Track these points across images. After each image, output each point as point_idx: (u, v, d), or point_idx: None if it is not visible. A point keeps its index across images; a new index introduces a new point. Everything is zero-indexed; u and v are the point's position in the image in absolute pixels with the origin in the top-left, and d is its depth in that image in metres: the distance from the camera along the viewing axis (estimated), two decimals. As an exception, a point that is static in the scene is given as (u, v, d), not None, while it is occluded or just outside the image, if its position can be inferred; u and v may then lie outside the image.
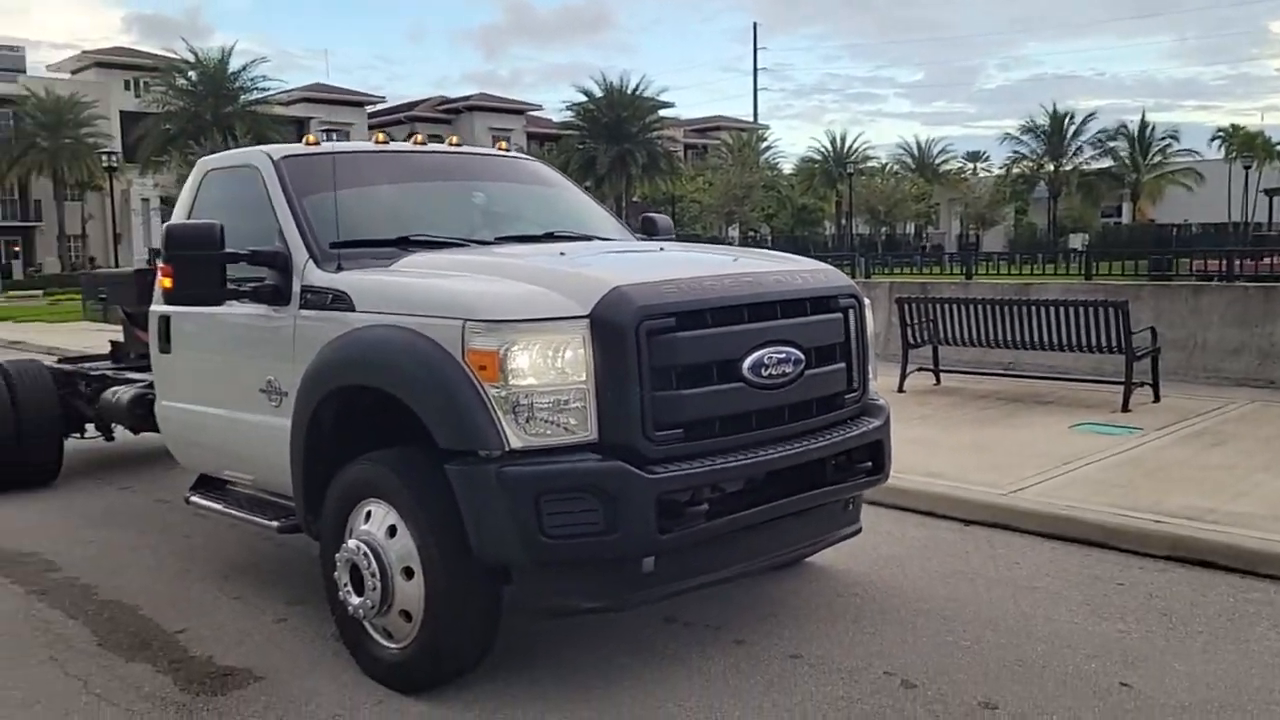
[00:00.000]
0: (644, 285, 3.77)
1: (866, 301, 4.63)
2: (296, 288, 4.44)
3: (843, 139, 67.69)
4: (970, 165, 77.30)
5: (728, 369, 3.84)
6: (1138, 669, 4.01)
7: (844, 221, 62.73)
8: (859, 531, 4.77)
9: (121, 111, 59.68)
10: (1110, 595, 4.81)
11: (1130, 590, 4.87)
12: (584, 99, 55.05)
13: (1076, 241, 52.92)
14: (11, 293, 45.95)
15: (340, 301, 4.20)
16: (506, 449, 3.54)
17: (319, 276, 4.37)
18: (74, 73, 64.69)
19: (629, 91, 54.11)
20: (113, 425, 7.43)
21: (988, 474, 6.59)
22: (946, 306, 10.14)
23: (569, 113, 57.04)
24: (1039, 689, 3.85)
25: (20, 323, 25.13)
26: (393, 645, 3.94)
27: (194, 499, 5.27)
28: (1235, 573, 5.03)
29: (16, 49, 77.93)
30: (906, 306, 10.32)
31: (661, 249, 4.86)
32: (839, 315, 4.31)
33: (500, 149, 6.15)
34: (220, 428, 4.97)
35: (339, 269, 4.35)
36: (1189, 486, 6.19)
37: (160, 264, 4.60)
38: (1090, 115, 62.80)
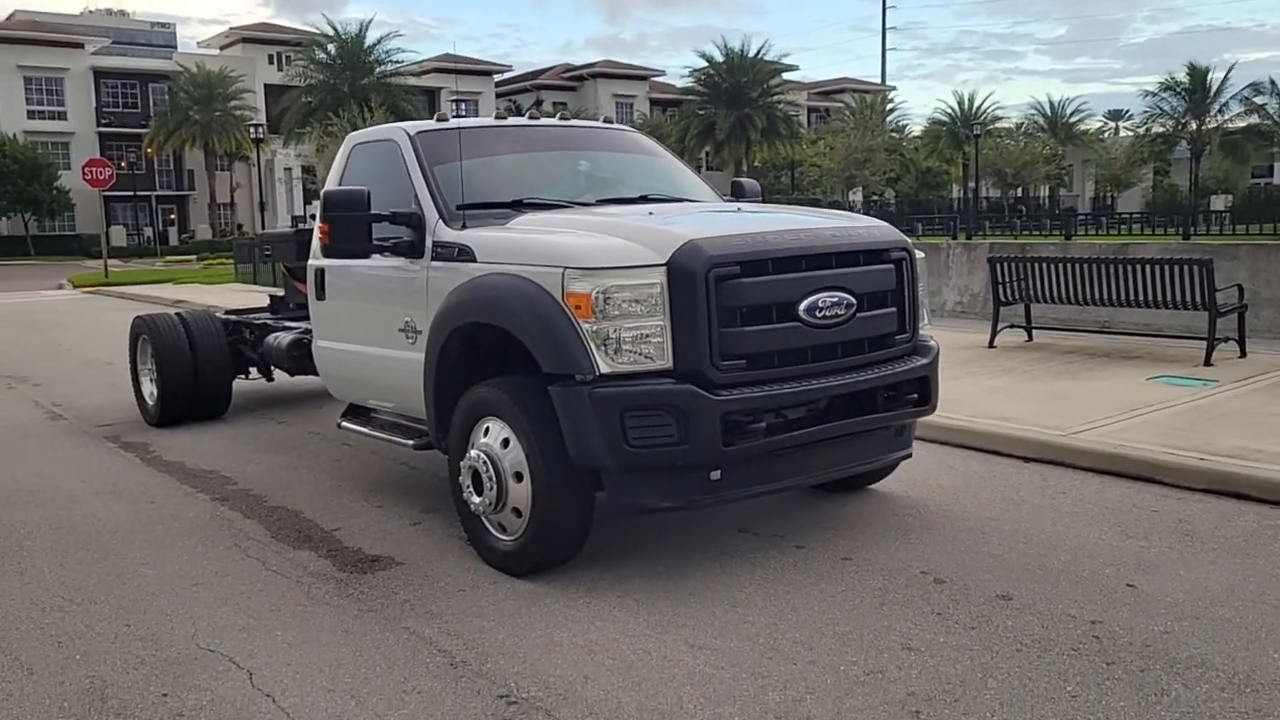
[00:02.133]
0: (714, 238, 4.49)
1: (919, 254, 5.25)
2: (429, 243, 5.29)
3: (970, 99, 66.38)
4: (1111, 125, 74.56)
5: (786, 310, 4.53)
6: (1147, 574, 4.57)
7: (972, 184, 61.51)
8: (909, 455, 5.42)
9: (266, 85, 62.74)
10: (1141, 519, 5.34)
11: (1162, 516, 5.38)
12: (703, 64, 55.29)
13: (1220, 203, 50.92)
14: (169, 257, 49.21)
15: (464, 254, 5.04)
16: (597, 374, 4.32)
17: (447, 233, 5.21)
18: (222, 48, 68.04)
19: (750, 56, 54.18)
20: (272, 368, 8.52)
21: (1055, 419, 7.08)
22: (1038, 265, 10.49)
23: (689, 79, 57.38)
24: (1053, 586, 4.45)
25: (179, 284, 27.22)
26: (506, 537, 4.78)
27: (344, 424, 6.23)
28: (1266, 504, 5.48)
29: (168, 26, 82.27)
30: (999, 266, 10.71)
31: (739, 209, 5.56)
32: (890, 266, 4.94)
33: (604, 121, 6.88)
34: (366, 362, 5.89)
35: (464, 227, 5.18)
36: (1244, 431, 6.58)
37: (320, 223, 5.51)
38: (1230, 69, 59.89)
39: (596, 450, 4.35)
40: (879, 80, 76.70)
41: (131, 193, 58.88)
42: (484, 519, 4.85)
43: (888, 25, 71.85)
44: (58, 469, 7.14)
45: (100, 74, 62.55)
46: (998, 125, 68.08)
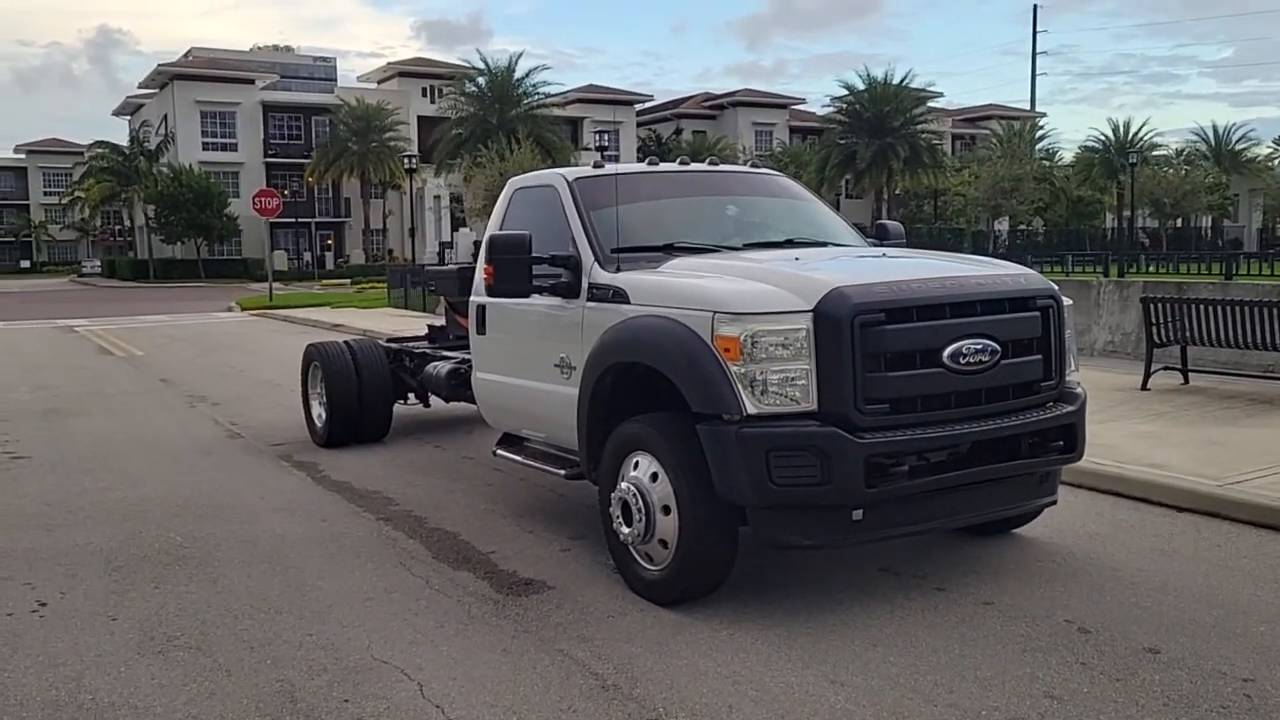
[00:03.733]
0: (860, 286, 4.64)
1: (1067, 301, 5.28)
2: (584, 284, 5.60)
3: (1126, 126, 64.07)
4: (1280, 149, 70.78)
5: (929, 356, 4.65)
6: (1304, 634, 4.47)
7: (1128, 214, 59.22)
8: (1054, 503, 5.42)
9: (419, 116, 65.44)
10: (1301, 576, 5.20)
11: (1323, 574, 5.23)
12: (845, 93, 55.02)
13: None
14: (325, 281, 51.69)
15: (619, 296, 5.32)
16: (744, 414, 4.51)
17: (602, 275, 5.51)
18: (380, 82, 71.33)
19: (892, 84, 53.69)
20: (429, 394, 9.00)
21: (1210, 467, 6.91)
22: (1196, 307, 10.19)
23: (830, 107, 57.19)
24: (1204, 642, 4.41)
25: (336, 308, 28.60)
26: (652, 567, 5.00)
27: (499, 451, 6.58)
28: None
29: (329, 60, 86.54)
30: (1153, 306, 10.44)
31: (884, 254, 5.69)
32: (1036, 313, 4.99)
33: (750, 166, 7.10)
34: (522, 395, 6.23)
35: (618, 269, 5.46)
36: None
37: (484, 263, 5.87)
38: None
39: (742, 487, 4.54)
40: (1028, 106, 74.64)
41: (293, 219, 62.14)
42: (632, 549, 5.09)
43: (1038, 49, 69.54)
44: (238, 485, 7.72)
45: (268, 108, 66.39)
46: (1155, 153, 65.53)
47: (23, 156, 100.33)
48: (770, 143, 76.98)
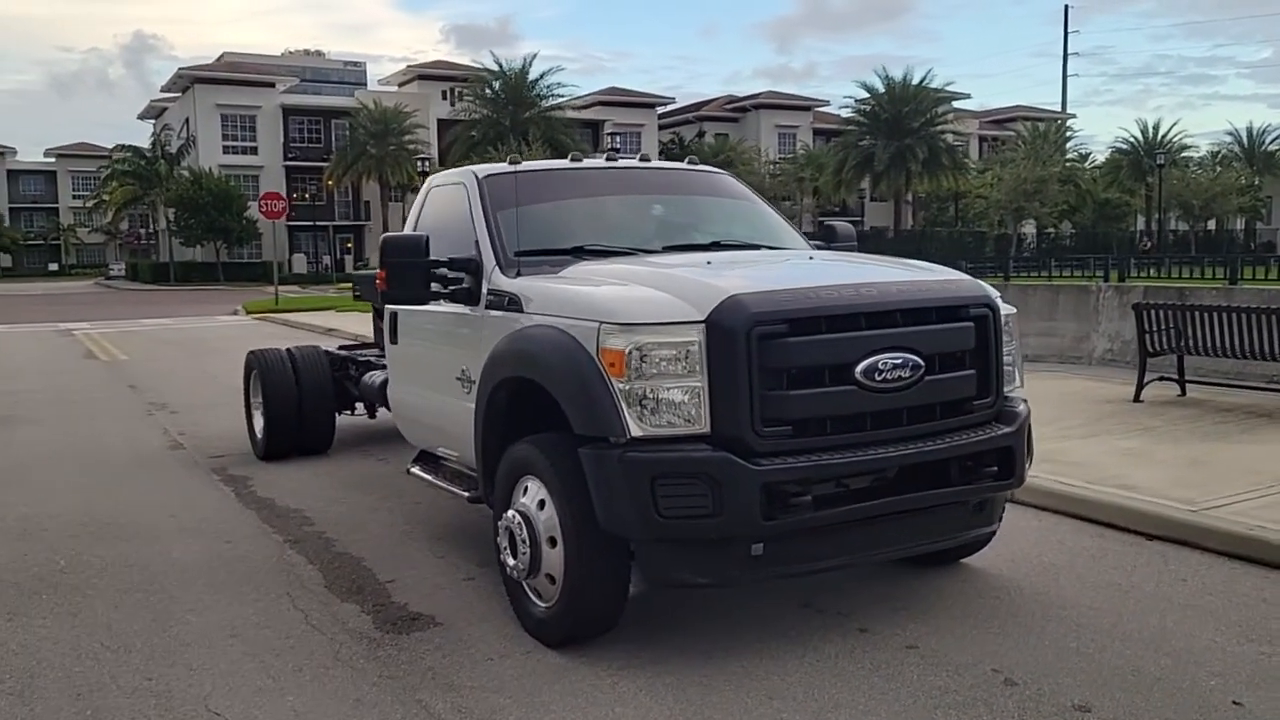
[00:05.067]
0: (760, 293, 4.14)
1: (1006, 309, 4.76)
2: (484, 290, 5.13)
3: (1155, 127, 62.89)
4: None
5: (840, 372, 4.14)
6: (1259, 690, 3.93)
7: (1158, 216, 58.05)
8: (993, 534, 4.90)
9: (439, 120, 65.22)
10: (1270, 620, 4.64)
11: (1295, 616, 4.68)
12: (864, 94, 54.25)
13: None
14: (342, 284, 51.48)
15: (514, 303, 4.84)
16: (628, 436, 4.02)
17: (501, 281, 5.03)
18: (401, 85, 71.27)
19: (911, 84, 52.84)
20: (375, 404, 8.56)
21: (1188, 490, 6.34)
22: (1194, 314, 9.58)
23: (846, 108, 56.46)
24: (1142, 698, 3.87)
25: (340, 311, 28.27)
26: (541, 604, 4.52)
27: (413, 470, 6.12)
28: None
29: (359, 65, 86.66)
30: (1147, 313, 9.84)
31: (811, 258, 5.18)
32: (968, 324, 4.47)
33: (687, 163, 6.59)
34: (430, 409, 5.77)
35: (518, 274, 4.99)
36: None
37: (378, 268, 5.43)
38: None
39: (625, 518, 4.05)
40: (1059, 107, 73.45)
41: (311, 223, 62.17)
42: (523, 583, 4.61)
43: (1072, 50, 68.43)
44: (155, 501, 7.30)
45: (289, 111, 66.44)
46: (1185, 154, 64.24)
47: (52, 160, 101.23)
48: (793, 145, 76.23)
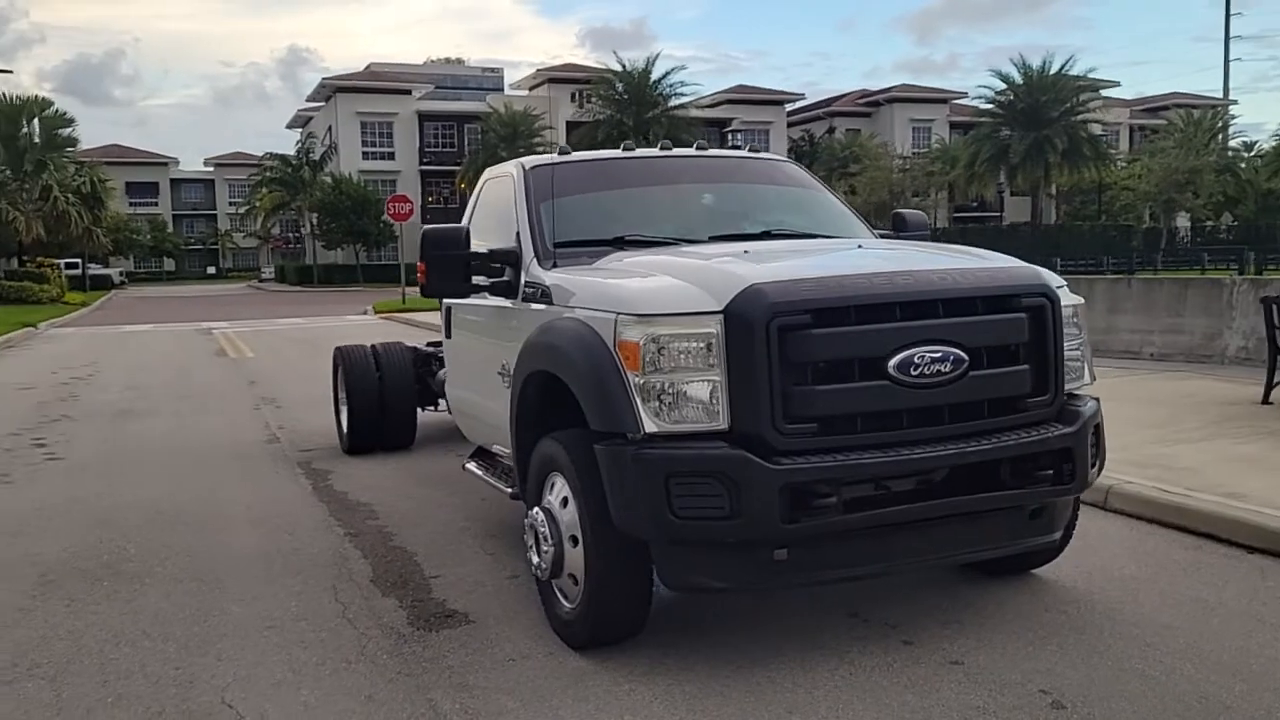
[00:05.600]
0: (784, 282, 3.90)
1: (1071, 299, 4.39)
2: (522, 282, 5.02)
3: (1323, 112, 58.66)
4: None
5: (871, 366, 3.86)
6: (1343, 725, 3.49)
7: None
8: (1054, 544, 4.52)
9: (567, 121, 66.00)
10: (1372, 644, 4.14)
11: (1404, 642, 4.16)
12: (1001, 84, 52.22)
13: None
14: (472, 285, 52.59)
15: (545, 295, 4.72)
16: (642, 433, 3.84)
17: (537, 273, 4.92)
18: (531, 89, 72.43)
19: (1049, 73, 50.57)
20: (455, 401, 8.57)
21: (1303, 499, 5.77)
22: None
23: (980, 99, 54.51)
24: (1204, 730, 3.49)
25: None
26: (567, 604, 4.38)
27: (468, 465, 6.07)
28: None
29: (497, 71, 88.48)
30: (1276, 307, 9.08)
31: (860, 247, 4.89)
32: (1020, 315, 4.13)
33: (749, 150, 6.36)
34: (479, 404, 5.71)
35: (554, 265, 4.87)
36: None
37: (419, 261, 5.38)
38: None
39: (639, 518, 3.87)
40: (1220, 94, 69.36)
41: (446, 224, 63.55)
42: (550, 583, 4.48)
43: (1234, 34, 64.61)
44: (235, 492, 7.48)
45: (424, 117, 68.33)
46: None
47: (211, 169, 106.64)
48: (928, 139, 74.24)
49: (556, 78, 70.70)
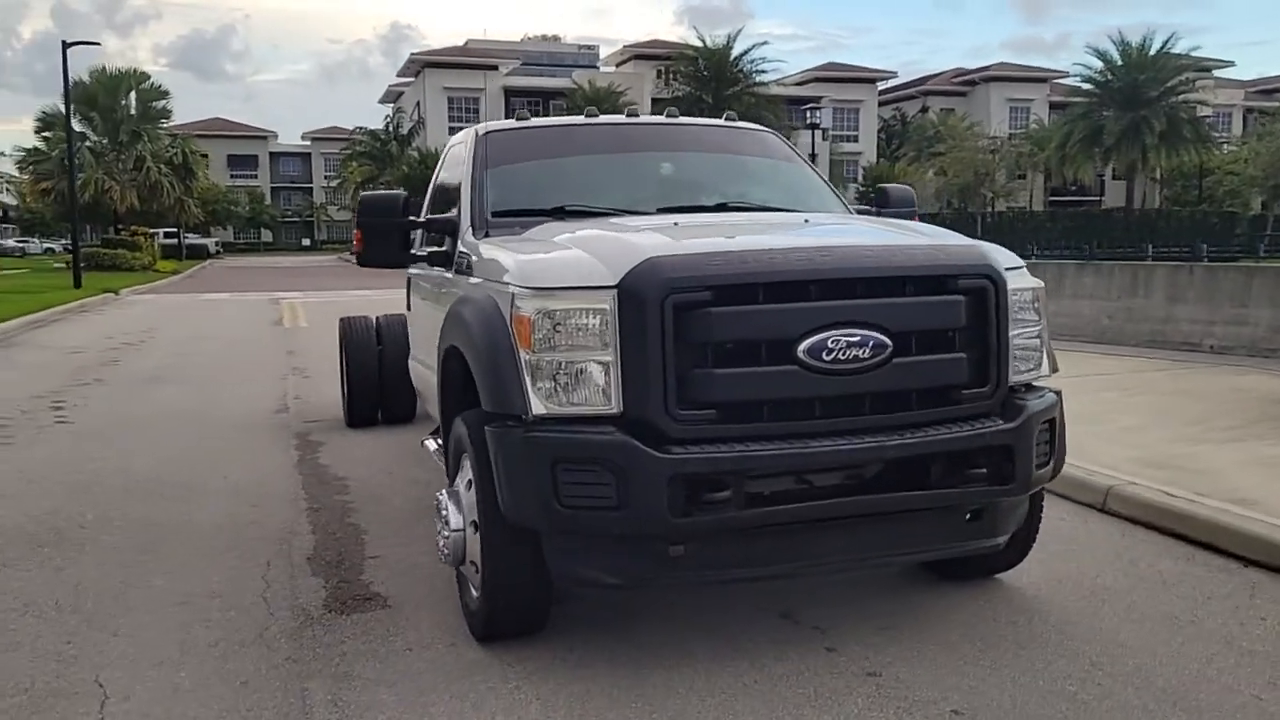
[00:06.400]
0: (685, 256, 3.60)
1: (1024, 283, 4.01)
2: (456, 252, 4.79)
3: None
4: None
5: (779, 349, 3.54)
6: (1280, 771, 3.07)
7: None
8: (996, 548, 4.12)
9: (653, 99, 65.56)
10: (1349, 678, 3.68)
11: (1387, 676, 3.68)
12: (1098, 63, 50.04)
13: None
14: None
15: (469, 266, 4.48)
16: (530, 415, 3.59)
17: (470, 242, 4.69)
18: (618, 65, 72.21)
19: (1149, 51, 48.29)
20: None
21: (1321, 508, 5.24)
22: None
23: (1075, 79, 52.40)
24: (1119, 767, 3.11)
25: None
26: (475, 592, 4.15)
27: (425, 442, 5.88)
28: None
29: (591, 48, 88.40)
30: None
31: (805, 222, 4.53)
32: (956, 298, 3.75)
33: (724, 119, 5.99)
34: (424, 379, 5.50)
35: (486, 236, 4.62)
36: None
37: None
38: None
39: (526, 506, 3.62)
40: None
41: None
42: (460, 569, 4.26)
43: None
44: (222, 462, 7.43)
45: (510, 92, 68.57)
46: None
47: (308, 143, 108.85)
48: (1026, 120, 71.91)
49: (643, 54, 70.32)
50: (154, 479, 6.91)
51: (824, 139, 54.70)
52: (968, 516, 3.92)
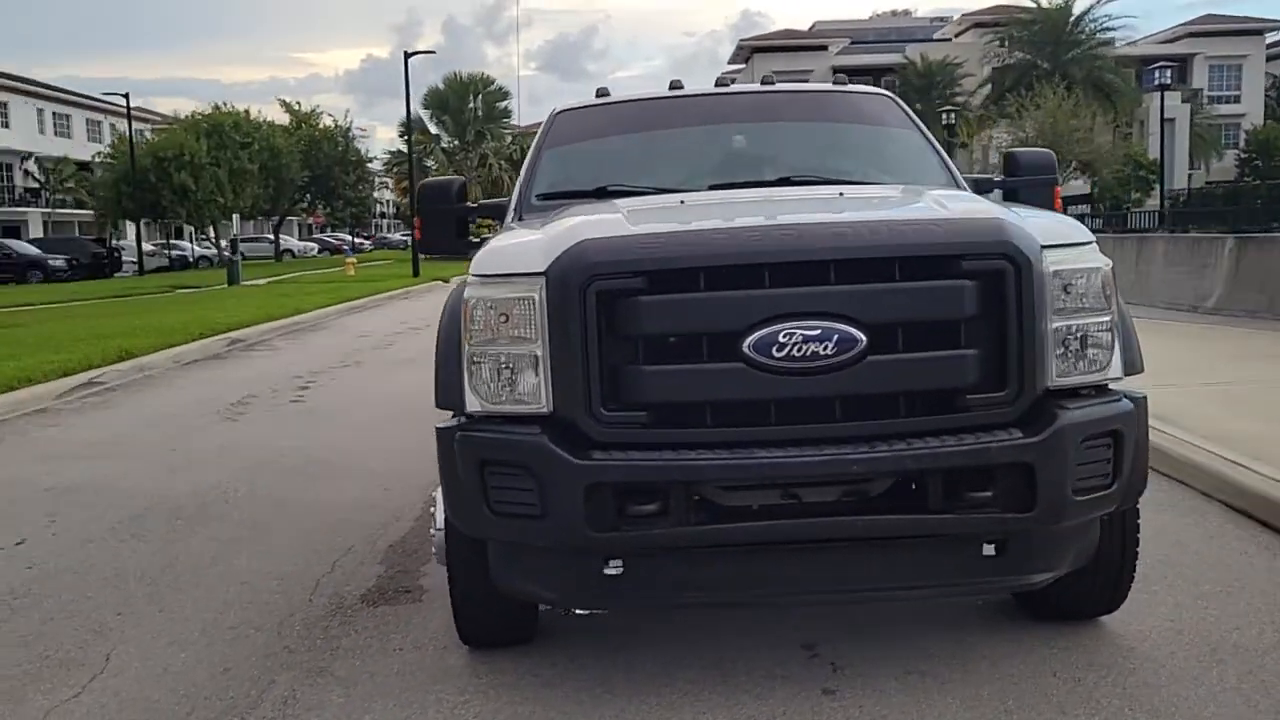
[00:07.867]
0: (617, 239, 3.19)
1: (1081, 262, 3.19)
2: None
3: None
4: None
5: (723, 344, 3.04)
6: None
7: None
8: (1032, 588, 3.35)
9: (992, 69, 61.72)
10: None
11: None
12: None
13: None
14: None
15: (481, 255, 4.27)
16: (465, 412, 3.33)
17: (504, 228, 4.47)
18: (956, 36, 68.65)
19: None
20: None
21: None
22: None
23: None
24: None
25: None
26: (455, 596, 3.95)
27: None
28: None
29: (945, 20, 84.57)
30: None
31: (840, 194, 3.88)
32: (961, 282, 3.04)
33: (833, 84, 5.31)
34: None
35: (519, 219, 4.40)
36: None
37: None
38: None
39: (459, 509, 3.38)
40: None
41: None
42: (453, 569, 4.07)
43: None
44: (399, 445, 7.63)
45: (838, 71, 66.73)
46: None
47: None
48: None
49: (982, 21, 66.24)
50: (324, 459, 7.29)
51: (1183, 101, 49.11)
52: (997, 549, 3.19)
